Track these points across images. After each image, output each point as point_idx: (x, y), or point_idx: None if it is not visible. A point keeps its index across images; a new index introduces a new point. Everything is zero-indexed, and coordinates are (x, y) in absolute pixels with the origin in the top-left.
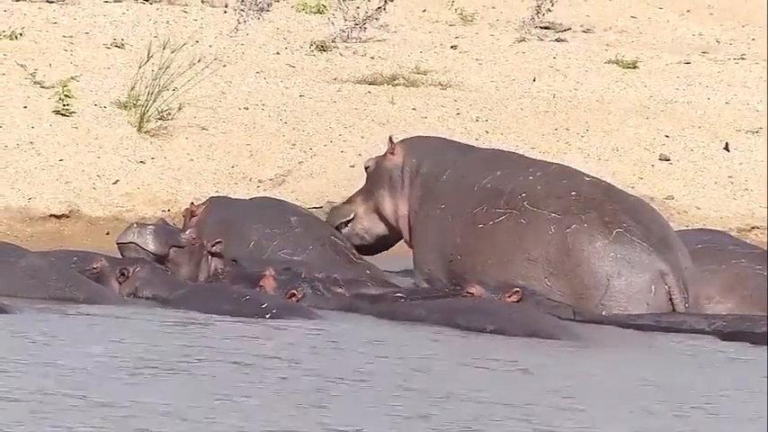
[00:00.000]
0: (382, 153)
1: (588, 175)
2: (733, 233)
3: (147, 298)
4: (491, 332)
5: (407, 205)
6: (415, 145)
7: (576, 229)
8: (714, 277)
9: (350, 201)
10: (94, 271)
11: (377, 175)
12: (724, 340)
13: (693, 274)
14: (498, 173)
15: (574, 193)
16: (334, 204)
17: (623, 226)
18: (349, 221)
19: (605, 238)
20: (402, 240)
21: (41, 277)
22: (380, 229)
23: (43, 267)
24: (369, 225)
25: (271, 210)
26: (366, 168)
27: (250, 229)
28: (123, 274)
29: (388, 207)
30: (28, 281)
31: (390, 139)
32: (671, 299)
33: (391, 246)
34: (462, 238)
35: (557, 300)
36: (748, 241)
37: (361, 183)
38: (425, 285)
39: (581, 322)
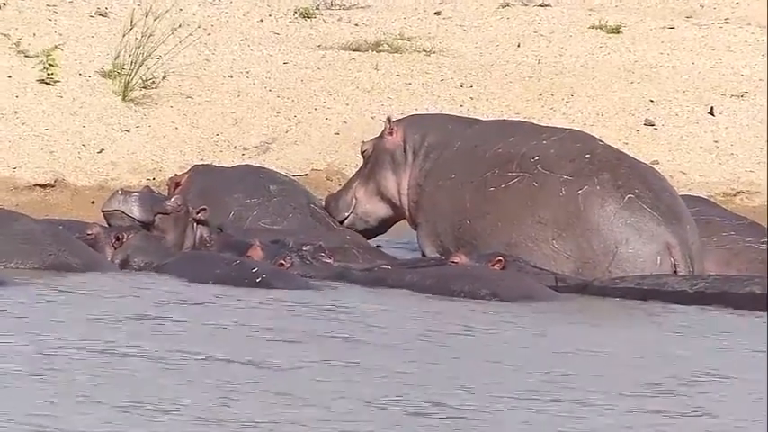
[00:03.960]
0: (378, 135)
1: (601, 140)
2: (718, 198)
3: (139, 265)
4: (485, 297)
5: (411, 179)
6: (415, 121)
7: (587, 191)
8: (708, 251)
9: (346, 188)
10: (89, 237)
11: (377, 157)
12: (706, 304)
13: (700, 248)
14: (511, 139)
15: (588, 155)
16: (330, 194)
17: (635, 192)
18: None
19: (617, 203)
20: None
21: (36, 242)
22: (383, 211)
23: (37, 232)
24: (371, 208)
25: (251, 178)
26: (363, 153)
27: (230, 199)
28: (118, 239)
29: (391, 186)
30: (22, 245)
31: (389, 119)
32: (675, 271)
33: (391, 226)
34: (472, 203)
35: (563, 264)
36: (733, 206)
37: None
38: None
39: (563, 289)
